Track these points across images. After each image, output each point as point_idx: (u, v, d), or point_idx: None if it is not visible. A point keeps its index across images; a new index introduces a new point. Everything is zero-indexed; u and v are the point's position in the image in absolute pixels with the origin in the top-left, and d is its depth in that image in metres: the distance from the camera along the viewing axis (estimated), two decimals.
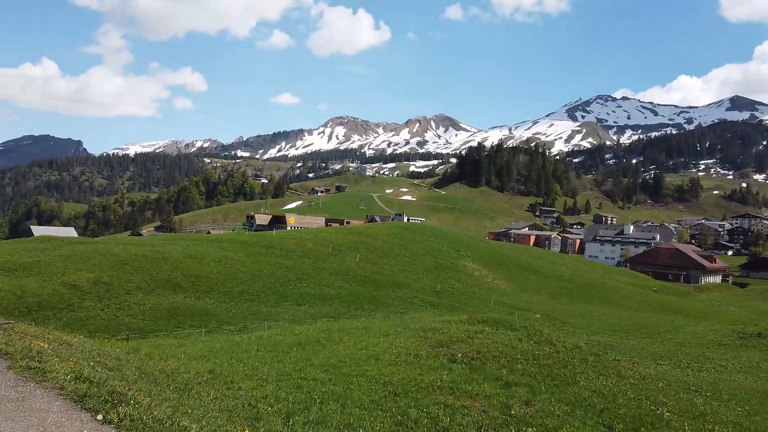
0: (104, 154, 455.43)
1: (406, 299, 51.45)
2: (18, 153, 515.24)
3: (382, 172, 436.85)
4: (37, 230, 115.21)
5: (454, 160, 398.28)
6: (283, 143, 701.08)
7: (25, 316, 34.31)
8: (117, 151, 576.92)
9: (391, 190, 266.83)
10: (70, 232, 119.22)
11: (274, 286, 49.23)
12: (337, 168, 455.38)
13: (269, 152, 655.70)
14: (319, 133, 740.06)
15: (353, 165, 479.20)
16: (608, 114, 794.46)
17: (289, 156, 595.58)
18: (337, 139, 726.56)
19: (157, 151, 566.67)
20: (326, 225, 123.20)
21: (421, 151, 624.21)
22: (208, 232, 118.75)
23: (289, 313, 42.14)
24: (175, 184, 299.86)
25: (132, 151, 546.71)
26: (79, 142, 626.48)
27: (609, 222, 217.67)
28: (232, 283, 47.34)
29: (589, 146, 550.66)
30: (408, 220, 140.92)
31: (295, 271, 54.09)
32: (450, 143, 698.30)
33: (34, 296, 36.38)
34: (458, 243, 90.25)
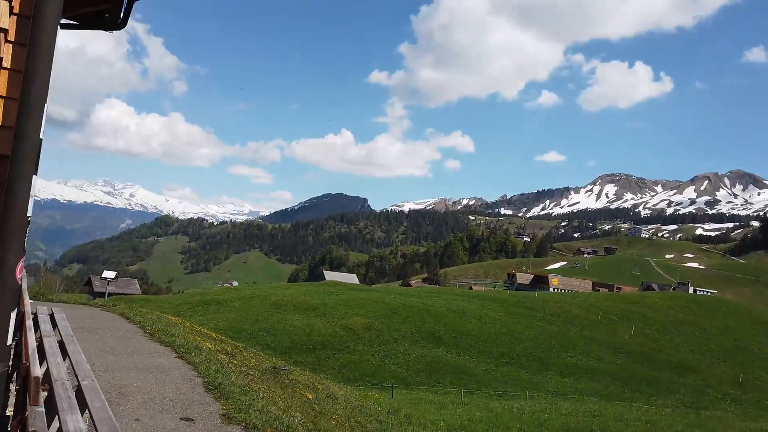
0: (384, 210, 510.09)
1: (697, 388, 42.97)
2: (318, 208, 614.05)
3: (660, 234, 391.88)
4: (329, 275, 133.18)
5: (756, 224, 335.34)
6: (547, 201, 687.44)
7: (311, 352, 38.55)
8: (394, 207, 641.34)
9: (672, 255, 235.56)
10: (353, 278, 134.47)
11: (536, 351, 46.31)
12: (606, 228, 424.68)
13: (532, 210, 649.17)
14: (586, 192, 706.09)
15: (625, 225, 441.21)
16: None
17: (552, 215, 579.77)
18: (607, 197, 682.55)
19: (428, 207, 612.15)
20: (593, 289, 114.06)
21: (711, 212, 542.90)
22: (470, 288, 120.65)
23: (552, 384, 38.86)
24: (442, 239, 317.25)
25: (406, 208, 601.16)
26: (365, 200, 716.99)
27: None
28: (492, 344, 46.11)
29: None
30: (695, 291, 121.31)
31: (559, 338, 50.24)
32: (750, 203, 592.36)
33: (319, 335, 40.71)
34: (766, 324, 73.39)
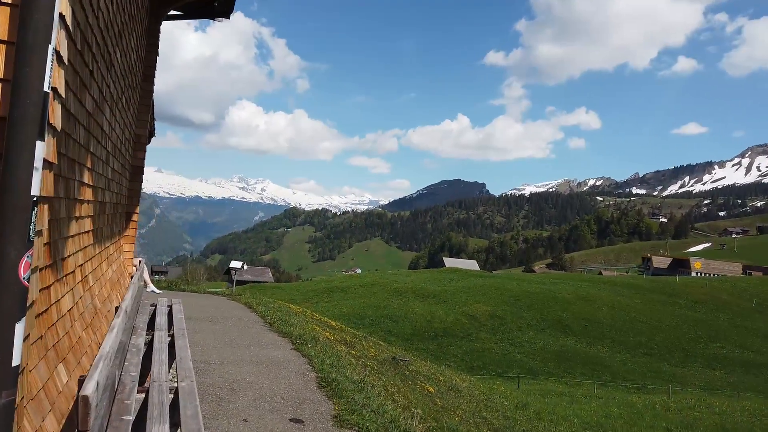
0: (503, 195, 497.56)
1: None
2: (436, 195, 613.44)
3: None
4: (448, 261, 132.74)
5: None
6: (686, 178, 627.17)
7: (432, 339, 38.31)
8: (514, 191, 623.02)
9: None
10: (473, 265, 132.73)
11: (679, 341, 42.30)
12: (758, 205, 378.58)
13: (669, 189, 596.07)
14: (733, 165, 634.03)
15: None
16: None
17: (693, 192, 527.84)
18: (758, 170, 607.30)
19: (550, 190, 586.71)
20: (744, 273, 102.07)
21: None
22: (600, 273, 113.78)
23: (699, 378, 35.23)
24: (567, 222, 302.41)
25: (527, 191, 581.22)
26: (483, 185, 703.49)
27: None
28: (628, 333, 42.82)
29: None
30: None
31: (706, 327, 45.48)
32: None
33: (440, 322, 40.32)
34: None
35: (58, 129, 1.72)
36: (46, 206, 2.37)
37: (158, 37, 7.25)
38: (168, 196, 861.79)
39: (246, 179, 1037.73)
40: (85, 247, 3.64)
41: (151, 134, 10.48)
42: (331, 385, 5.84)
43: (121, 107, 5.06)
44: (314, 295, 50.73)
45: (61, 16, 1.56)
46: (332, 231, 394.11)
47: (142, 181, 7.35)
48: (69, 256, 3.03)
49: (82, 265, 3.49)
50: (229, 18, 8.37)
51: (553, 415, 15.00)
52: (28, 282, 1.48)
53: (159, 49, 7.37)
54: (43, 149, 1.48)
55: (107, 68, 3.75)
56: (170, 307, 6.62)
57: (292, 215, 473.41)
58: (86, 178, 3.40)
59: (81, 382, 2.08)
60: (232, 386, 5.40)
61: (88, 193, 3.54)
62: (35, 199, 1.48)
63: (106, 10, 3.38)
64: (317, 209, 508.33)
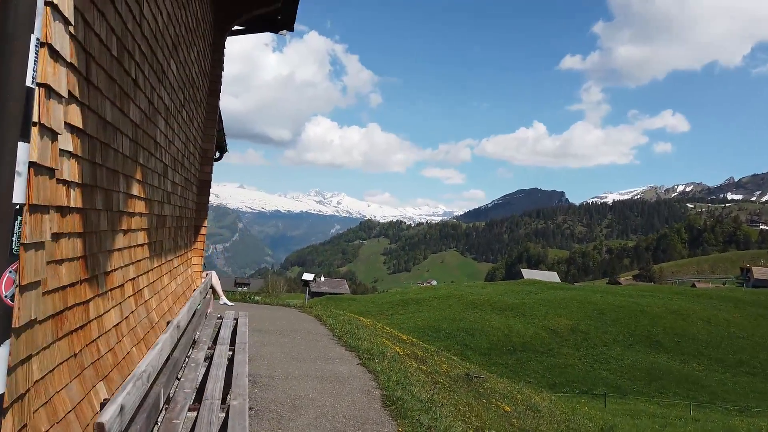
0: (584, 203, 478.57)
1: None
2: (512, 205, 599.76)
3: None
4: (527, 273, 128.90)
5: None
6: None
7: (511, 354, 37.07)
8: (596, 199, 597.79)
9: None
10: (553, 276, 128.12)
11: None
12: None
13: None
14: None
15: None
16: None
17: None
18: None
19: (635, 197, 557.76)
20: None
21: None
22: (693, 285, 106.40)
23: None
24: (654, 231, 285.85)
25: (610, 199, 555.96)
26: (562, 193, 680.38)
27: None
28: (727, 350, 39.50)
29: None
30: None
31: None
32: None
33: (518, 336, 38.97)
34: None
35: (58, 132, 1.57)
36: (77, 217, 2.28)
37: (223, 52, 7.36)
38: (250, 210, 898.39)
39: (322, 193, 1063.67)
40: (139, 260, 3.60)
41: (222, 149, 10.71)
42: (396, 404, 5.55)
43: (182, 121, 5.09)
44: (389, 307, 50.66)
45: (53, 6, 1.42)
46: (407, 243, 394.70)
47: (209, 195, 7.44)
48: (115, 269, 2.97)
49: (134, 279, 3.44)
50: (292, 30, 8.42)
51: None
52: (12, 300, 1.32)
53: (224, 65, 7.48)
54: (27, 152, 1.33)
55: (158, 79, 3.72)
56: (236, 320, 6.62)
57: (367, 227, 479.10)
58: (136, 190, 3.35)
59: (103, 405, 1.93)
60: (295, 403, 5.24)
61: (139, 206, 3.50)
62: (18, 207, 1.32)
63: (152, 20, 3.34)
64: (392, 221, 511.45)
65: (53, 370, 2.00)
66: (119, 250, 3.05)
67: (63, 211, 2.06)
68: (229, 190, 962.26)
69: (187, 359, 4.36)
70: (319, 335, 9.39)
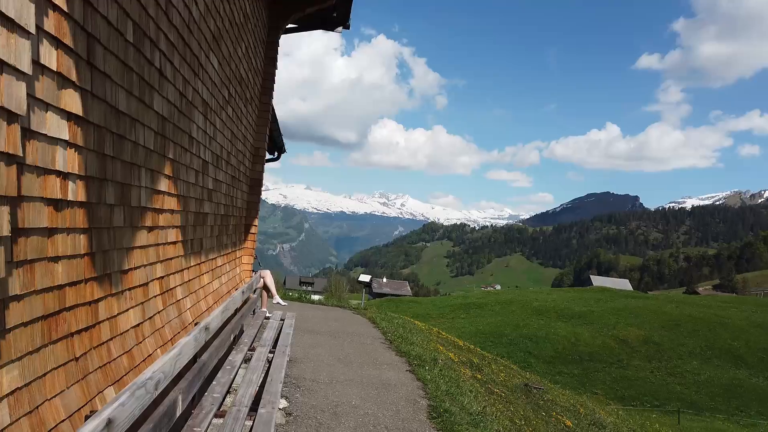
0: (659, 208, 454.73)
1: None
2: (582, 209, 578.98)
3: None
4: (596, 280, 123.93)
5: None
6: None
7: (578, 364, 35.60)
8: (673, 204, 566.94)
9: None
10: (625, 284, 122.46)
11: None
12: None
13: None
14: None
15: None
16: None
17: None
18: None
19: (717, 203, 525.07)
20: None
21: None
22: None
23: None
24: (737, 239, 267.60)
25: (688, 204, 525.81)
26: (636, 197, 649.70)
27: None
28: None
29: None
30: None
31: None
32: None
33: (585, 345, 37.41)
34: None
35: (18, 113, 1.40)
36: (80, 212, 2.14)
37: (277, 50, 7.29)
38: (316, 211, 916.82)
39: (386, 195, 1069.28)
40: (169, 258, 3.49)
41: (280, 150, 10.71)
42: (443, 417, 5.22)
43: (227, 117, 5.00)
44: (450, 311, 49.99)
45: None
46: (471, 246, 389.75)
47: (260, 194, 7.39)
48: (136, 268, 2.85)
49: (162, 278, 3.33)
50: (348, 28, 8.25)
51: None
52: None
53: (278, 63, 7.41)
54: None
55: (194, 72, 3.61)
56: (282, 321, 6.50)
57: (430, 230, 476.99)
58: (165, 186, 3.24)
59: (87, 418, 1.76)
60: (336, 410, 5.03)
61: (170, 203, 3.39)
62: None
63: (184, 9, 3.21)
64: (455, 224, 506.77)
65: (43, 376, 1.86)
66: (142, 247, 2.94)
67: (57, 204, 1.91)
68: (297, 191, 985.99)
69: (222, 362, 4.23)
70: (371, 338, 9.18)
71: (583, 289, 66.86)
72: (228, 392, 3.81)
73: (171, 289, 3.54)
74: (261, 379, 4.10)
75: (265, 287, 7.61)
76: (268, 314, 6.83)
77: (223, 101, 4.80)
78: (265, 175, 7.50)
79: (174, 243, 3.59)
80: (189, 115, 3.63)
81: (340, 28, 8.19)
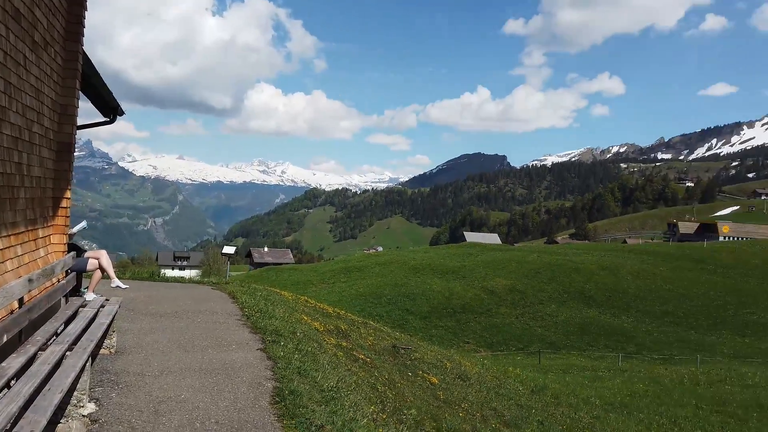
0: (524, 166, 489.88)
1: None
2: (456, 170, 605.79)
3: None
4: (469, 236, 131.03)
5: None
6: (714, 140, 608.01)
7: (451, 316, 37.33)
8: (536, 162, 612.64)
9: None
10: (495, 238, 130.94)
11: (708, 309, 40.80)
12: None
13: (695, 152, 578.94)
14: (763, 125, 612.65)
15: None
16: None
17: (721, 155, 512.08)
18: None
19: (573, 159, 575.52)
20: None
21: None
22: (624, 242, 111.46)
23: (728, 346, 33.83)
24: (590, 191, 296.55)
25: (549, 162, 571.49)
26: (504, 157, 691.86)
27: None
28: (654, 302, 41.37)
29: None
30: None
31: (735, 293, 43.78)
32: None
33: (458, 299, 39.30)
34: None
35: None
36: None
37: None
38: (190, 182, 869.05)
39: (266, 162, 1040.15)
40: None
41: (114, 111, 9.39)
42: (287, 400, 4.77)
43: (21, 69, 3.98)
44: (331, 276, 50.05)
45: None
46: (353, 210, 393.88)
47: (72, 161, 6.29)
48: None
49: None
50: None
51: (573, 398, 13.90)
52: None
53: (86, 2, 6.24)
54: None
55: None
56: (101, 308, 5.62)
57: (312, 196, 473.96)
58: None
59: None
60: (158, 408, 4.37)
61: None
62: None
63: None
64: (337, 189, 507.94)
65: None
66: None
67: None
68: (168, 161, 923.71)
69: None
70: (225, 316, 8.50)
71: (457, 246, 70.25)
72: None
73: None
74: (32, 389, 3.31)
75: (101, 269, 6.63)
76: (87, 301, 5.90)
77: (14, 48, 3.78)
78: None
79: None
80: None
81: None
